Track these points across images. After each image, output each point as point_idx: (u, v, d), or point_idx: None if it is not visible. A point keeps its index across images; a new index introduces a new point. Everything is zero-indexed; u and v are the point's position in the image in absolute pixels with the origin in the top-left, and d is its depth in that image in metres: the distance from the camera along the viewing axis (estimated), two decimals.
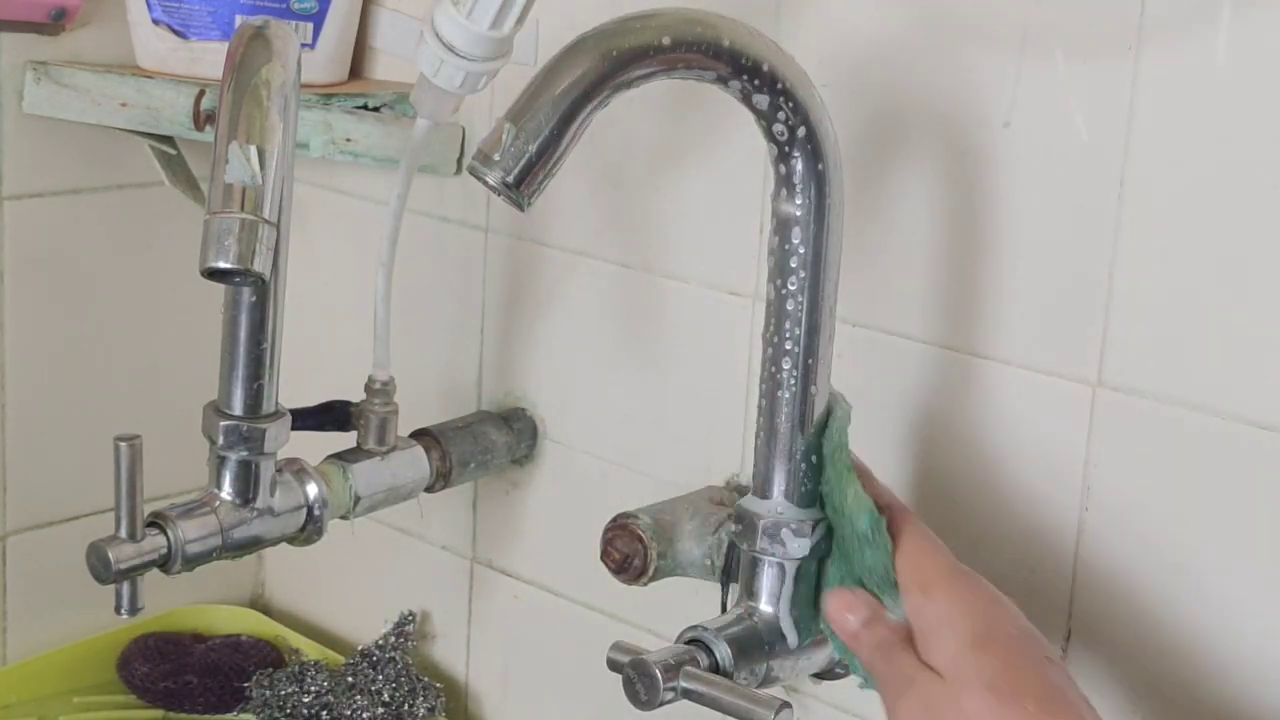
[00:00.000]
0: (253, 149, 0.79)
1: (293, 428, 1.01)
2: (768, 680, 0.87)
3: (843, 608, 0.83)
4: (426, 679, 1.21)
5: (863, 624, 0.82)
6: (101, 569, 0.91)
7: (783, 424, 0.87)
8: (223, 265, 0.76)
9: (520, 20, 0.95)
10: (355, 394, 1.07)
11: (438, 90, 0.97)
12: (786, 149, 0.84)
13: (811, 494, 0.88)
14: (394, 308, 1.06)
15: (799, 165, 0.84)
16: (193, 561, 0.95)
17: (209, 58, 1.17)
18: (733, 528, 0.90)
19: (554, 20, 1.07)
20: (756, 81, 0.82)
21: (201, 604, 1.33)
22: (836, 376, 0.89)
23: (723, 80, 0.82)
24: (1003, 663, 0.75)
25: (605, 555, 0.99)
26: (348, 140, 1.14)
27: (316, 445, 1.04)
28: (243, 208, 0.76)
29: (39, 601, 1.26)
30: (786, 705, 0.79)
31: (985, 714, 0.73)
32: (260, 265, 0.76)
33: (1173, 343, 0.86)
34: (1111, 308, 0.88)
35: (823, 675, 0.92)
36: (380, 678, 1.20)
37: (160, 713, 1.24)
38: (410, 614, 1.26)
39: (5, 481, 1.23)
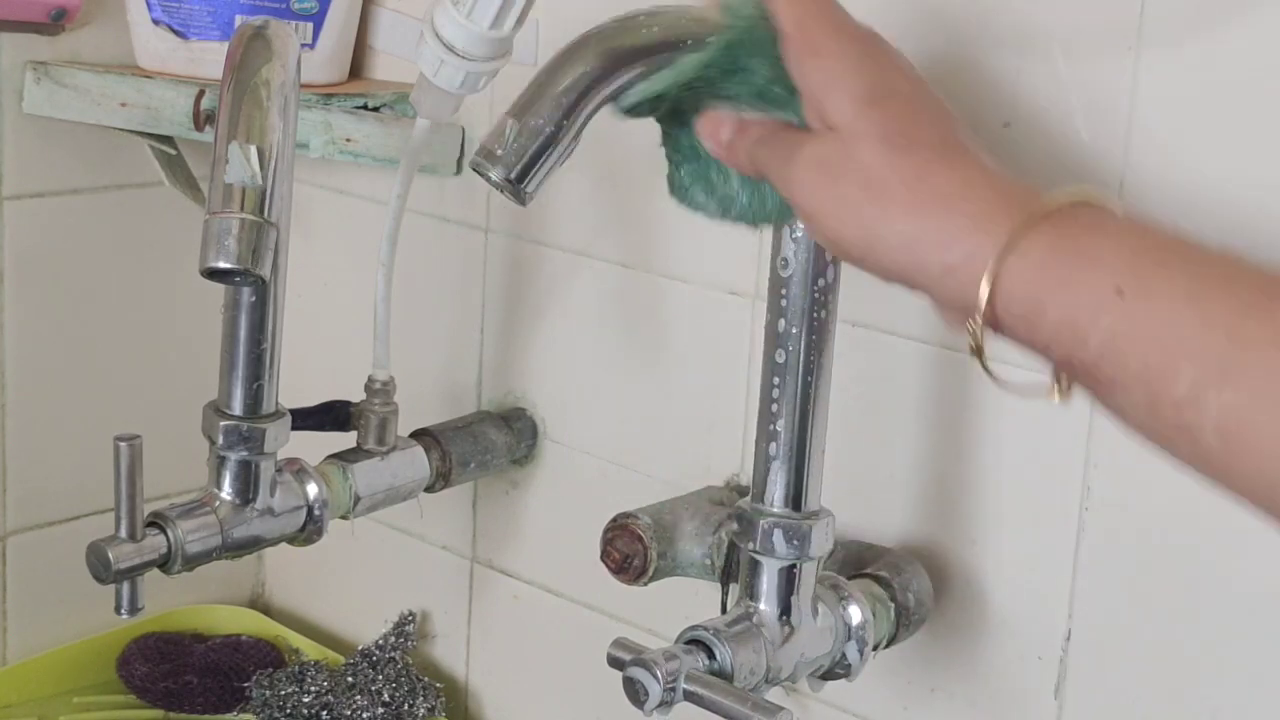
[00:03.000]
0: (253, 149, 0.79)
1: (293, 428, 1.01)
2: (768, 681, 0.87)
3: (712, 125, 0.76)
4: (426, 679, 1.21)
5: (735, 130, 0.75)
6: (101, 569, 0.91)
7: (783, 424, 0.87)
8: (223, 265, 0.76)
9: (520, 20, 0.95)
10: (355, 394, 1.07)
11: (438, 90, 0.97)
12: None
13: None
14: (394, 308, 1.06)
15: None
16: (193, 561, 0.95)
17: (209, 58, 1.17)
18: (732, 528, 0.91)
19: (554, 20, 1.07)
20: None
21: (201, 604, 1.33)
22: (836, 376, 0.89)
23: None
24: (898, 115, 0.70)
25: (605, 555, 0.99)
26: (348, 140, 1.14)
27: (316, 445, 1.04)
28: (243, 208, 0.77)
29: (39, 601, 1.26)
30: (786, 711, 0.79)
31: (880, 164, 0.68)
32: (260, 265, 0.76)
33: None
34: None
35: (824, 675, 0.92)
36: (380, 678, 1.20)
37: (160, 713, 1.24)
38: (410, 614, 1.26)
39: (5, 481, 1.23)
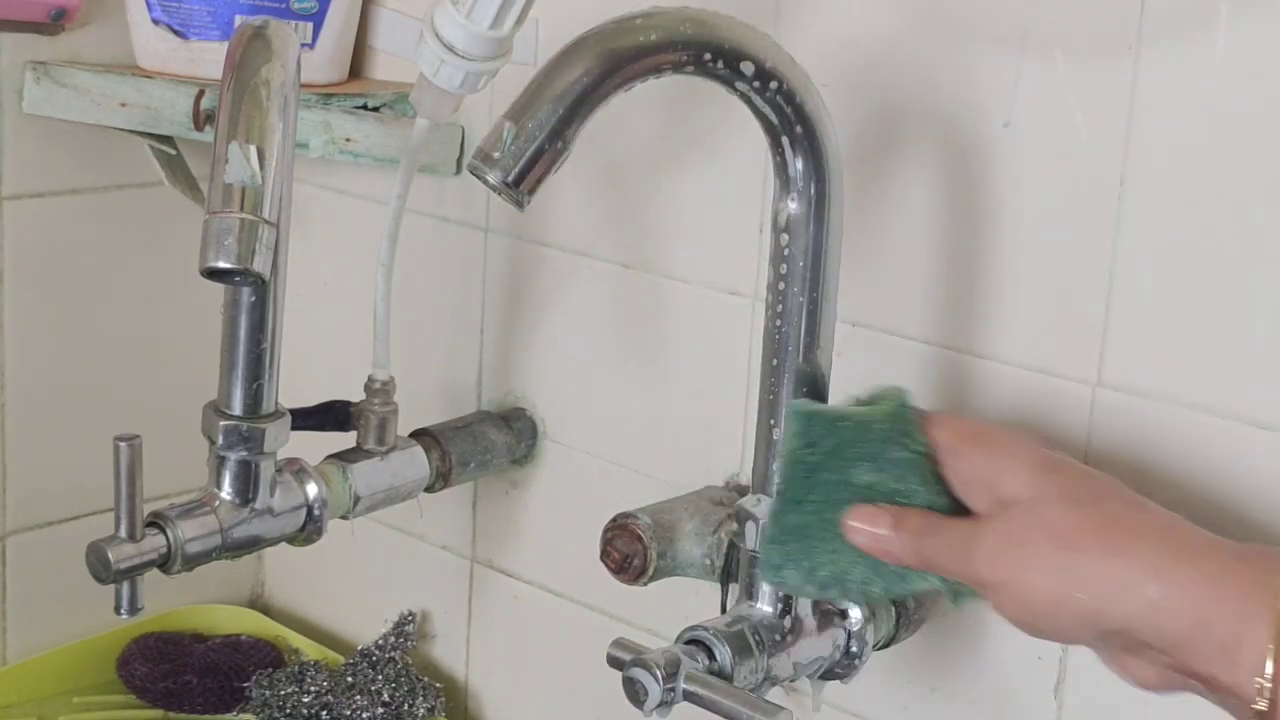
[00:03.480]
0: (252, 149, 0.79)
1: (293, 428, 1.01)
2: (768, 681, 0.87)
3: (869, 518, 0.77)
4: (426, 679, 1.21)
5: (893, 526, 0.76)
6: (101, 569, 0.91)
7: (782, 424, 0.87)
8: (222, 265, 0.76)
9: (520, 20, 0.95)
10: (355, 394, 1.07)
11: (437, 90, 0.97)
12: (787, 148, 0.84)
13: None
14: (394, 308, 1.06)
15: (799, 164, 0.85)
16: (192, 561, 0.95)
17: (209, 58, 1.17)
18: (732, 528, 0.90)
19: (554, 20, 1.07)
20: (756, 81, 0.82)
21: (201, 604, 1.33)
22: (836, 376, 0.89)
23: (722, 80, 0.82)
24: (1075, 480, 0.72)
25: (605, 555, 0.99)
26: (348, 140, 1.13)
27: (316, 445, 1.04)
28: (242, 207, 0.76)
29: (39, 601, 1.26)
30: (786, 711, 0.79)
31: (1071, 521, 0.69)
32: (260, 265, 0.76)
33: (1173, 343, 0.86)
34: (1111, 308, 0.88)
35: (824, 676, 0.92)
36: (380, 678, 1.20)
37: (160, 713, 1.24)
38: (410, 614, 1.26)
39: (5, 481, 1.23)
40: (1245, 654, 0.64)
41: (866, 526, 0.77)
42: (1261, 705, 0.63)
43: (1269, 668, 0.63)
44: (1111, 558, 0.68)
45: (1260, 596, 0.64)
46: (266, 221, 0.77)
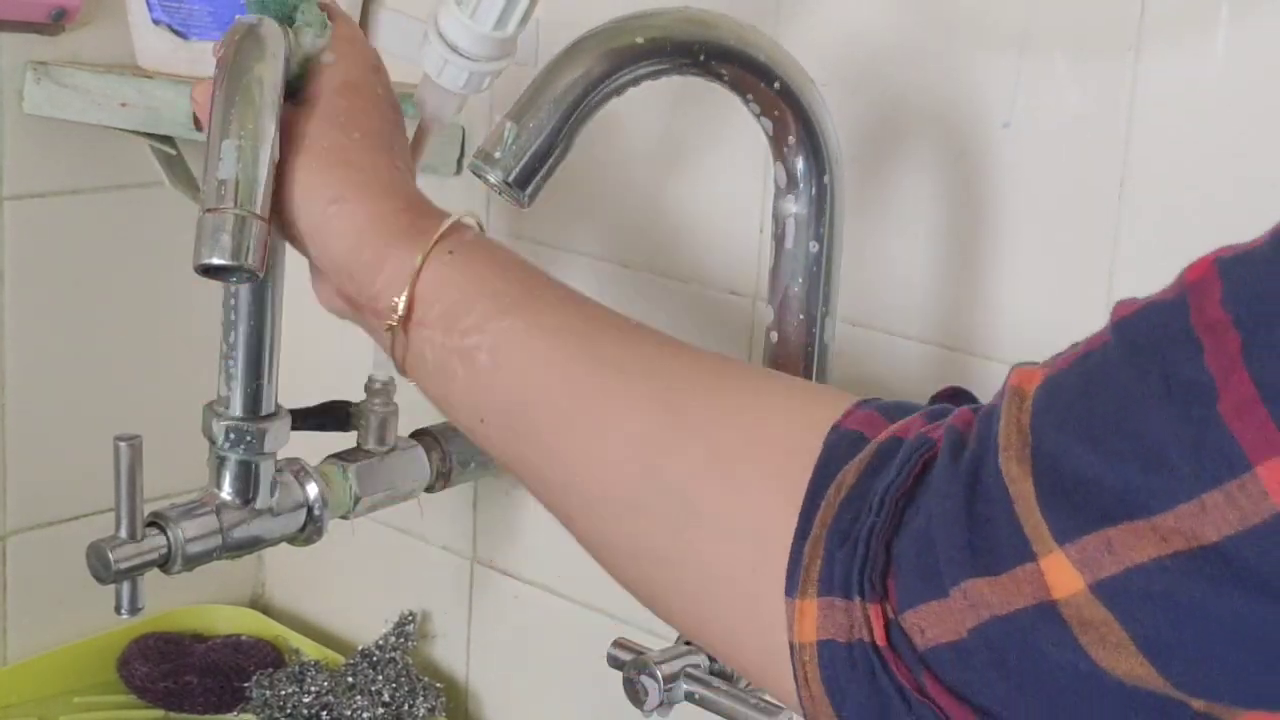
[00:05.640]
0: (245, 145, 0.78)
1: (293, 428, 1.00)
2: None
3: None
4: (426, 679, 1.21)
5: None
6: (101, 569, 0.91)
7: None
8: (216, 261, 0.76)
9: (524, 20, 0.95)
10: (355, 394, 1.07)
11: (441, 90, 0.97)
12: (787, 148, 0.84)
13: None
14: None
15: (799, 164, 0.85)
16: (193, 561, 0.95)
17: (209, 58, 1.16)
18: None
19: (554, 20, 1.07)
20: (757, 80, 0.82)
21: (201, 604, 1.33)
22: (836, 376, 0.89)
23: (723, 79, 0.82)
24: (360, 105, 0.81)
25: None
26: None
27: (316, 445, 1.04)
28: (235, 204, 0.76)
29: (39, 601, 1.26)
30: (786, 712, 0.79)
31: (316, 134, 0.78)
32: (254, 261, 0.76)
33: None
34: (1111, 307, 0.88)
35: None
36: (380, 678, 1.20)
37: (160, 713, 1.24)
38: (410, 614, 1.25)
39: (5, 481, 1.23)
40: (387, 272, 0.73)
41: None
42: (392, 321, 0.73)
43: (393, 320, 0.72)
44: (313, 174, 0.77)
45: (421, 232, 0.74)
46: (259, 217, 0.77)
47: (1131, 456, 0.51)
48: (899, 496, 0.58)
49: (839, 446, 0.62)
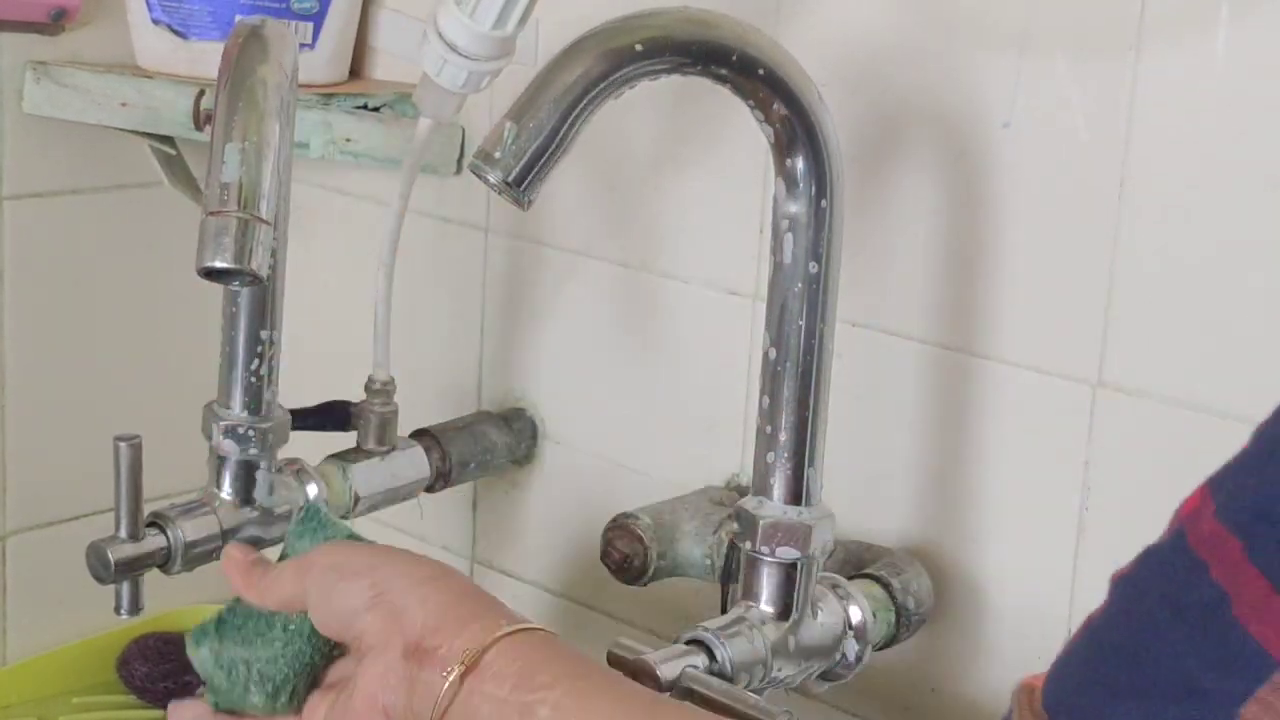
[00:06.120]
0: (249, 148, 0.78)
1: (293, 428, 1.01)
2: (768, 682, 0.87)
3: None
4: None
5: None
6: (101, 569, 0.91)
7: (783, 424, 0.87)
8: (219, 265, 0.76)
9: (523, 20, 0.95)
10: (355, 394, 1.07)
11: (440, 90, 0.97)
12: (787, 148, 0.84)
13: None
14: (394, 308, 1.06)
15: (799, 164, 0.84)
16: (193, 562, 0.95)
17: (209, 58, 1.16)
18: (732, 528, 0.90)
19: (554, 20, 1.07)
20: (757, 80, 0.82)
21: (201, 604, 1.33)
22: (836, 376, 0.89)
23: (723, 79, 0.82)
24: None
25: (605, 555, 0.99)
26: (348, 140, 1.13)
27: (316, 445, 1.04)
28: (239, 207, 0.76)
29: (39, 601, 1.26)
30: (786, 711, 0.79)
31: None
32: (257, 264, 0.76)
33: (1173, 343, 0.86)
34: (1111, 308, 0.88)
35: (825, 676, 0.92)
36: None
37: (160, 713, 1.23)
38: None
39: (5, 481, 1.23)
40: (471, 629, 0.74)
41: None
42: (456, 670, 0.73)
43: (453, 673, 0.72)
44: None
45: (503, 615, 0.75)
46: (263, 221, 0.77)
47: (1158, 694, 0.49)
48: None
49: None
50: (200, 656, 0.80)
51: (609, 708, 0.71)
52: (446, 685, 0.72)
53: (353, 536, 0.82)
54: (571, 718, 0.70)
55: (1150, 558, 0.53)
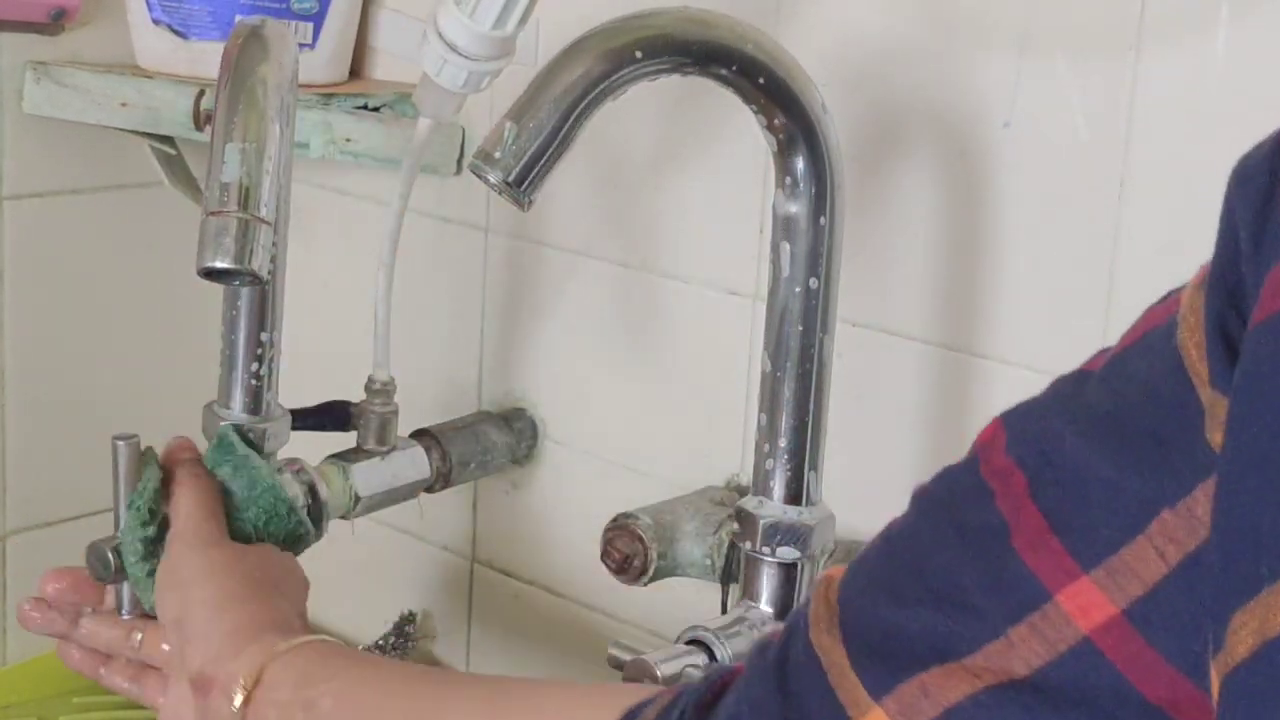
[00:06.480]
0: (249, 148, 0.78)
1: (293, 428, 1.01)
2: None
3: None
4: None
5: None
6: (101, 569, 0.91)
7: (783, 424, 0.87)
8: (219, 265, 0.76)
9: (523, 20, 0.95)
10: (355, 394, 1.07)
11: (440, 90, 0.97)
12: (787, 148, 0.84)
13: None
14: (394, 308, 1.06)
15: (799, 164, 0.85)
16: None
17: (209, 58, 1.16)
18: (733, 528, 0.90)
19: (554, 20, 1.07)
20: (757, 80, 0.82)
21: None
22: (836, 376, 0.89)
23: (723, 79, 0.82)
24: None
25: (605, 555, 0.99)
26: (348, 140, 1.13)
27: (316, 445, 1.04)
28: (239, 207, 0.76)
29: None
30: None
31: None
32: (257, 264, 0.76)
33: None
34: (1111, 308, 0.88)
35: None
36: None
37: None
38: (410, 614, 1.25)
39: (5, 481, 1.23)
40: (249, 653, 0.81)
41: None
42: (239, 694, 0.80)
43: (237, 699, 0.80)
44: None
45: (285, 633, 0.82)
46: (263, 221, 0.77)
47: (935, 604, 0.53)
48: (700, 706, 0.60)
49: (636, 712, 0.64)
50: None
51: (393, 687, 0.77)
52: (233, 710, 0.80)
53: (253, 466, 0.93)
54: (351, 702, 0.77)
55: (946, 477, 0.56)
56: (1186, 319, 0.50)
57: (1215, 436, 0.48)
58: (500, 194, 0.78)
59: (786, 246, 0.86)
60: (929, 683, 0.52)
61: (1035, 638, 0.51)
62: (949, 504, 0.55)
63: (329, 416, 1.06)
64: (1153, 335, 0.52)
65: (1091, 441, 0.51)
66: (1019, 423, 0.54)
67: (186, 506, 0.90)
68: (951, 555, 0.53)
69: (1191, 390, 0.49)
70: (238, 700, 0.79)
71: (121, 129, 1.17)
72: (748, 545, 0.88)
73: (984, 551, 0.52)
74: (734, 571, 0.93)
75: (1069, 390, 0.54)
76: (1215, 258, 0.49)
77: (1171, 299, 0.52)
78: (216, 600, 0.85)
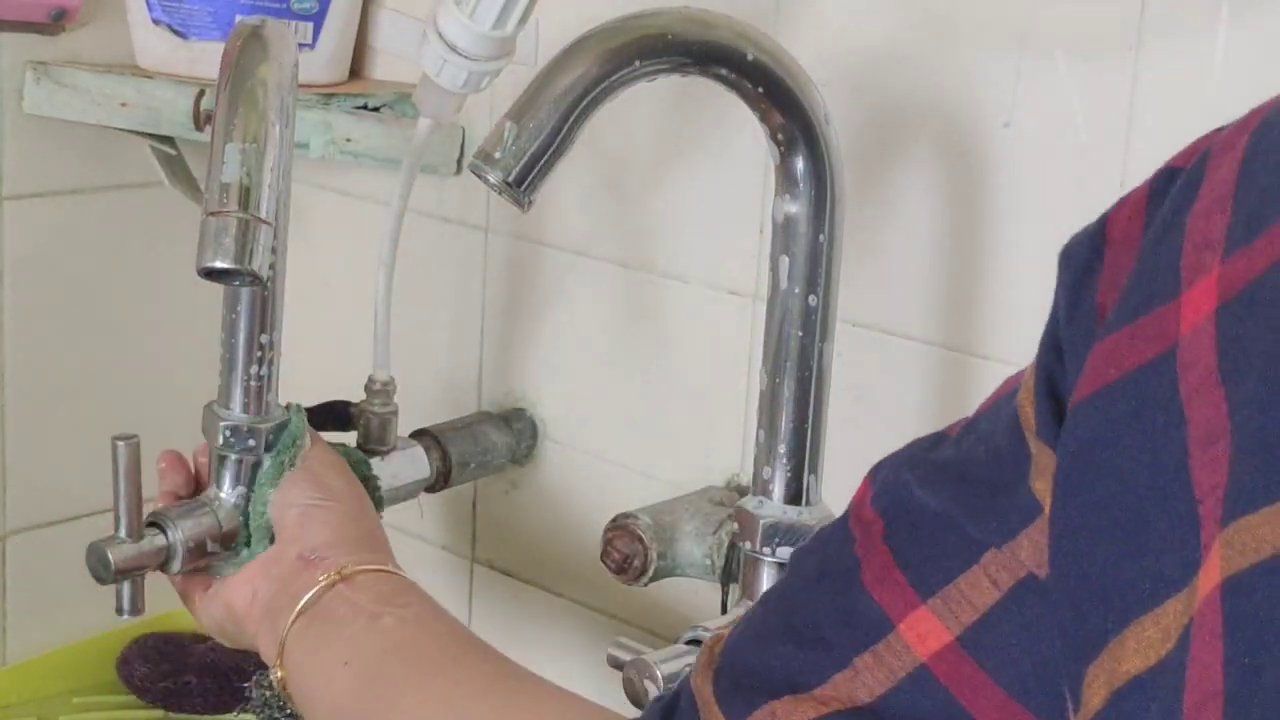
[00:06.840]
0: (249, 148, 0.78)
1: None
2: None
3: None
4: None
5: None
6: (101, 569, 0.91)
7: (783, 424, 0.87)
8: (219, 265, 0.76)
9: (523, 20, 0.95)
10: (355, 394, 1.07)
11: (440, 90, 0.97)
12: (787, 148, 0.84)
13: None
14: (394, 308, 1.06)
15: (799, 164, 0.85)
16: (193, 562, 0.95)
17: (209, 58, 1.16)
18: (732, 528, 0.90)
19: (554, 20, 1.07)
20: (757, 80, 0.82)
21: None
22: (836, 376, 0.89)
23: (723, 79, 0.82)
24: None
25: (605, 555, 0.99)
26: (348, 140, 1.13)
27: None
28: (239, 207, 0.76)
29: (39, 601, 1.26)
30: None
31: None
32: (257, 264, 0.76)
33: None
34: None
35: None
36: None
37: (160, 713, 1.24)
38: None
39: (5, 481, 1.23)
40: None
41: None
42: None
43: (322, 580, 0.86)
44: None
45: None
46: (263, 221, 0.77)
47: (796, 641, 0.57)
48: None
49: None
50: None
51: (449, 631, 0.84)
52: (319, 586, 0.85)
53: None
54: (411, 628, 0.83)
55: (821, 534, 0.61)
56: (1027, 381, 0.54)
57: (1038, 484, 0.51)
58: (500, 194, 0.78)
59: (786, 246, 0.86)
60: (778, 710, 0.56)
61: (878, 666, 0.54)
62: (819, 555, 0.59)
63: (329, 416, 1.06)
64: (1001, 400, 0.56)
65: (936, 489, 0.56)
66: (881, 475, 0.59)
67: (322, 447, 0.96)
68: (811, 595, 0.57)
69: (1024, 443, 0.53)
70: (329, 578, 0.86)
71: (121, 129, 1.17)
72: (747, 545, 0.88)
73: (838, 589, 0.56)
74: (734, 571, 0.93)
75: (925, 445, 0.59)
76: (1048, 320, 0.53)
77: (1024, 370, 0.56)
78: (354, 511, 0.91)
